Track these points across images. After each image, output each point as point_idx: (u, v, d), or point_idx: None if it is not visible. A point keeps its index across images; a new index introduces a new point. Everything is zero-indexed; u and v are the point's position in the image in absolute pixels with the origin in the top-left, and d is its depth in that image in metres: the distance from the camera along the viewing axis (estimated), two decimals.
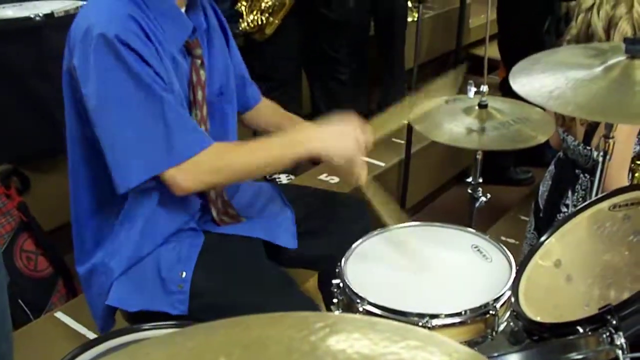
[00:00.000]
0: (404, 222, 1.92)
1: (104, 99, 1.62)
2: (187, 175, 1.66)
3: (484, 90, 2.22)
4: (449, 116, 2.25)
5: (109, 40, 1.58)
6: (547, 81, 1.67)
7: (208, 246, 1.85)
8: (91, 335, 2.22)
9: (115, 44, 1.58)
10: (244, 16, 3.11)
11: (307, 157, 1.75)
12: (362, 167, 1.78)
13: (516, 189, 4.03)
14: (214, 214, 1.92)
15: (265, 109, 2.15)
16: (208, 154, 1.68)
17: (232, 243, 1.89)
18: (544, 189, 2.57)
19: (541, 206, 2.56)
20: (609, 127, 1.84)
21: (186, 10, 1.79)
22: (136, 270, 1.80)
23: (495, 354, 1.28)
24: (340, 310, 1.70)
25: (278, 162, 1.78)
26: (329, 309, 1.78)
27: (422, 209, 3.84)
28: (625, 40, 1.64)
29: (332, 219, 2.08)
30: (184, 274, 1.78)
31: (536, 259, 1.65)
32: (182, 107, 1.71)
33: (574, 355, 1.27)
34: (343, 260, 1.76)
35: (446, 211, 3.80)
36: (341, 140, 1.73)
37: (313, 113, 3.73)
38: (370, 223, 2.06)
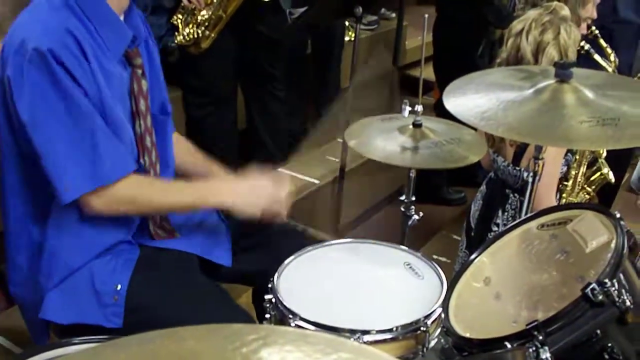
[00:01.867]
0: (337, 239, 1.94)
1: (35, 115, 1.62)
2: (101, 200, 1.69)
3: (419, 110, 2.26)
4: (383, 134, 2.28)
5: (43, 54, 1.58)
6: (480, 101, 1.70)
7: (144, 260, 1.84)
8: (18, 351, 2.17)
9: (48, 59, 1.58)
10: (180, 29, 3.10)
11: (218, 208, 1.88)
12: (281, 210, 1.88)
13: (449, 209, 4.09)
14: (151, 227, 1.90)
15: (179, 145, 2.10)
16: (127, 183, 1.72)
17: (167, 257, 1.89)
18: (475, 208, 2.62)
19: (472, 225, 2.61)
20: (539, 148, 1.89)
21: (124, 19, 1.78)
22: (69, 283, 1.77)
23: None
24: (272, 325, 1.70)
25: (188, 208, 1.90)
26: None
27: (356, 226, 3.86)
28: (555, 64, 1.69)
29: (268, 234, 2.08)
30: (119, 286, 1.76)
31: (466, 276, 1.68)
32: (107, 131, 1.69)
33: None
34: (276, 275, 1.77)
35: (380, 229, 3.82)
36: (253, 197, 1.83)
37: (248, 129, 3.74)
38: (306, 239, 2.07)
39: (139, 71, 1.80)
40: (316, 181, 3.47)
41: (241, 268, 2.04)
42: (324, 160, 3.63)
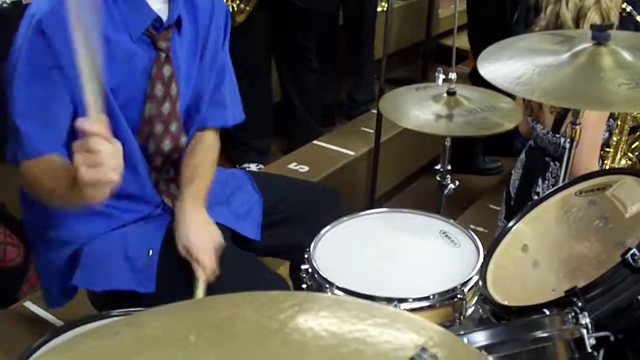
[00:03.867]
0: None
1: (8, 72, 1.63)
2: (23, 172, 1.67)
3: (453, 77, 2.24)
4: (418, 103, 2.26)
5: (34, 24, 1.58)
6: (515, 67, 1.68)
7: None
8: (59, 323, 2.20)
9: (36, 29, 1.58)
10: None
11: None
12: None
13: (485, 178, 4.05)
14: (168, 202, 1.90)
15: (203, 142, 1.98)
16: (39, 163, 1.65)
17: None
18: (515, 177, 2.59)
19: (512, 195, 2.58)
20: (576, 113, 1.86)
21: (169, 1, 1.76)
22: (101, 250, 1.78)
23: (462, 332, 1.29)
24: None
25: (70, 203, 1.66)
26: None
27: (392, 197, 3.85)
28: (592, 27, 1.66)
29: (302, 207, 2.07)
30: (151, 252, 1.77)
31: (504, 244, 1.67)
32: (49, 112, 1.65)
33: (538, 333, 1.28)
34: (312, 245, 1.77)
35: (416, 199, 3.81)
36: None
37: (283, 102, 3.74)
38: (341, 211, 2.07)
39: (163, 55, 1.77)
40: (351, 152, 3.45)
41: (276, 241, 2.04)
42: (359, 132, 3.62)
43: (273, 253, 2.17)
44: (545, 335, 1.28)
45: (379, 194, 3.61)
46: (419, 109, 2.22)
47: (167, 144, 1.84)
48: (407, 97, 2.34)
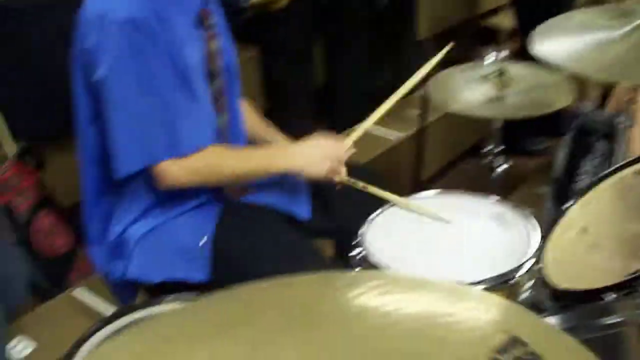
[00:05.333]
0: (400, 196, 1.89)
1: (112, 84, 1.62)
2: (178, 171, 1.69)
3: (501, 57, 2.19)
4: (466, 85, 2.22)
5: (124, 24, 1.57)
6: (567, 44, 1.63)
7: (227, 211, 1.84)
8: (110, 311, 2.20)
9: (130, 28, 1.57)
10: None
11: (284, 173, 1.85)
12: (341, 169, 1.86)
13: (533, 159, 3.98)
14: (226, 189, 1.91)
15: (245, 109, 2.07)
16: (204, 153, 1.72)
17: (250, 210, 1.89)
18: (561, 157, 2.53)
19: (559, 175, 2.52)
20: (632, 90, 1.80)
21: None
22: (154, 241, 1.79)
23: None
24: None
25: (259, 175, 1.86)
26: None
27: (438, 180, 3.80)
28: None
29: (348, 189, 2.05)
30: (204, 238, 1.77)
31: (561, 226, 1.62)
32: (191, 97, 1.70)
33: (611, 318, 1.24)
34: (363, 229, 1.74)
35: (462, 183, 3.74)
36: (318, 159, 1.82)
37: (325, 86, 3.70)
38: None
39: (213, 30, 1.78)
40: (395, 136, 3.41)
41: (323, 223, 2.03)
42: (404, 114, 3.56)
43: (318, 234, 2.14)
44: (618, 320, 1.24)
45: (425, 177, 3.55)
46: (468, 91, 2.18)
47: (226, 117, 1.86)
48: (455, 78, 2.30)
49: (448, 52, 2.06)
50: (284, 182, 1.97)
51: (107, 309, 2.23)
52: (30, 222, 2.48)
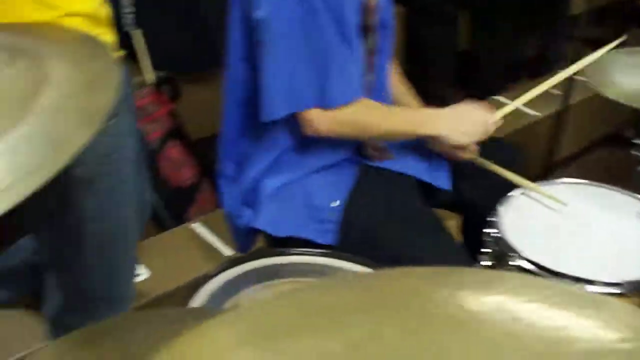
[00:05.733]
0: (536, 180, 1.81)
1: (272, 26, 1.58)
2: (327, 120, 1.66)
3: None
4: (625, 70, 2.08)
5: None
6: None
7: (362, 178, 1.80)
8: (226, 251, 2.21)
9: None
10: None
11: (430, 137, 1.78)
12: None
13: None
14: (366, 147, 1.85)
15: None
16: (353, 107, 1.68)
17: (385, 178, 1.83)
18: None
19: None
20: None
21: None
22: (287, 195, 1.76)
23: None
24: (490, 262, 1.62)
25: (406, 135, 1.82)
26: (473, 257, 1.71)
27: (570, 164, 3.66)
28: None
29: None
30: (337, 202, 1.73)
31: None
32: (346, 50, 1.65)
33: None
34: (499, 210, 1.67)
35: (596, 170, 3.60)
36: (466, 127, 1.76)
37: (468, 51, 3.60)
38: (524, 172, 1.96)
39: None
40: (534, 113, 3.28)
41: (456, 196, 1.96)
42: (546, 92, 3.42)
43: (449, 206, 2.08)
44: None
45: (557, 158, 3.42)
46: (627, 77, 2.04)
47: (374, 74, 1.81)
48: (610, 61, 2.16)
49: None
50: (425, 149, 1.91)
51: (224, 248, 2.24)
52: (159, 150, 2.51)
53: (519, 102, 1.92)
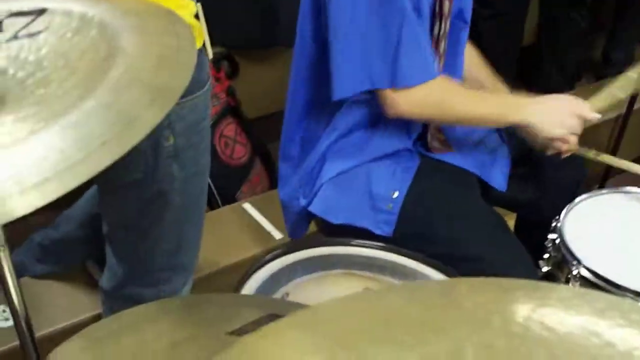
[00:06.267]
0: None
1: (347, 1, 1.54)
2: (403, 101, 1.60)
3: None
4: None
5: None
6: None
7: (423, 169, 1.75)
8: (276, 234, 2.19)
9: None
10: None
11: (519, 126, 1.68)
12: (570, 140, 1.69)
13: None
14: (428, 138, 1.80)
15: (469, 56, 1.92)
16: (432, 86, 1.61)
17: (446, 171, 1.79)
18: None
19: None
20: None
21: None
22: (346, 181, 1.72)
23: None
24: (549, 267, 1.58)
25: (492, 122, 1.75)
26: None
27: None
28: None
29: (543, 164, 1.92)
30: (396, 193, 1.69)
31: None
32: (421, 28, 1.60)
33: None
34: (563, 214, 1.62)
35: None
36: (558, 117, 1.66)
37: (533, 47, 3.52)
38: (585, 176, 1.96)
39: None
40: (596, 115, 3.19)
41: (514, 195, 1.90)
42: (610, 94, 3.33)
43: (504, 204, 2.03)
44: None
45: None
46: None
47: (442, 63, 1.75)
48: None
49: None
50: (486, 145, 1.86)
51: (274, 231, 2.21)
52: (214, 128, 2.48)
53: (618, 94, 1.84)
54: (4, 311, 1.87)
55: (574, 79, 3.63)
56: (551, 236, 1.58)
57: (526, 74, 3.55)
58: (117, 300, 1.67)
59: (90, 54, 0.85)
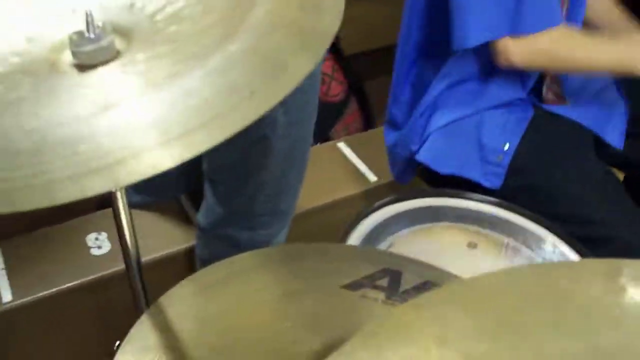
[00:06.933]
0: None
1: None
2: (521, 50, 1.52)
3: None
4: None
5: None
6: None
7: (537, 121, 1.67)
8: (371, 177, 2.13)
9: None
10: None
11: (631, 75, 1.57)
12: None
13: None
14: (544, 89, 1.71)
15: None
16: (552, 35, 1.52)
17: (560, 124, 1.69)
18: None
19: None
20: None
21: None
22: (456, 130, 1.66)
23: None
24: None
25: (610, 70, 1.65)
26: None
27: None
28: None
29: None
30: (507, 145, 1.61)
31: None
32: None
33: None
34: None
35: None
36: None
37: None
38: None
39: None
40: None
41: (627, 153, 1.80)
42: None
43: (617, 163, 1.93)
44: None
45: None
46: None
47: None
48: None
49: None
50: (603, 100, 1.76)
51: (369, 173, 2.15)
52: None
53: None
54: (96, 239, 1.87)
55: None
56: None
57: None
58: (212, 238, 1.66)
59: None
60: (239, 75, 0.65)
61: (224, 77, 0.65)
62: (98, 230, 1.89)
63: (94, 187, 0.58)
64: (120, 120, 0.63)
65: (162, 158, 0.59)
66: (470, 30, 1.51)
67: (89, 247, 1.85)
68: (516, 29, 1.50)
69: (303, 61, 0.66)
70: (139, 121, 0.63)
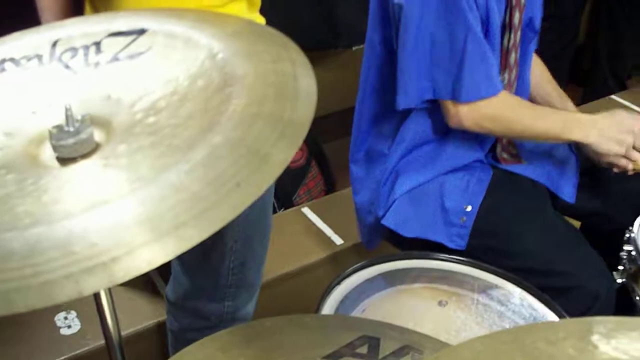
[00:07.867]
0: None
1: (415, 11, 1.52)
2: (470, 114, 1.59)
3: None
4: None
5: None
6: None
7: (495, 182, 1.73)
8: (337, 240, 2.16)
9: None
10: None
11: (577, 144, 1.67)
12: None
13: None
14: (498, 149, 1.77)
15: (536, 68, 1.89)
16: (493, 102, 1.59)
17: (518, 183, 1.76)
18: None
19: None
20: None
21: None
22: (419, 195, 1.70)
23: None
24: (623, 280, 1.56)
25: (550, 139, 1.69)
26: None
27: None
28: None
29: (611, 174, 1.87)
30: (469, 207, 1.67)
31: None
32: (484, 42, 1.57)
33: None
34: (637, 226, 1.58)
35: None
36: (617, 134, 1.60)
37: (585, 45, 3.45)
38: None
39: None
40: None
41: (579, 204, 1.85)
42: None
43: (571, 214, 1.99)
44: None
45: None
46: None
47: (514, 74, 1.72)
48: None
49: None
50: (555, 156, 1.82)
51: (334, 236, 2.18)
52: None
53: None
54: (65, 318, 1.86)
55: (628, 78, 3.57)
56: (626, 248, 1.55)
57: (576, 73, 3.49)
58: (182, 311, 1.67)
59: (202, 81, 0.82)
60: (225, 166, 0.67)
61: (211, 169, 0.67)
62: (66, 309, 1.88)
63: (91, 286, 0.60)
64: (112, 216, 0.65)
65: (157, 254, 0.61)
66: (414, 88, 1.57)
67: (59, 327, 1.84)
68: (457, 95, 1.56)
69: (283, 150, 0.69)
70: (130, 217, 0.64)
